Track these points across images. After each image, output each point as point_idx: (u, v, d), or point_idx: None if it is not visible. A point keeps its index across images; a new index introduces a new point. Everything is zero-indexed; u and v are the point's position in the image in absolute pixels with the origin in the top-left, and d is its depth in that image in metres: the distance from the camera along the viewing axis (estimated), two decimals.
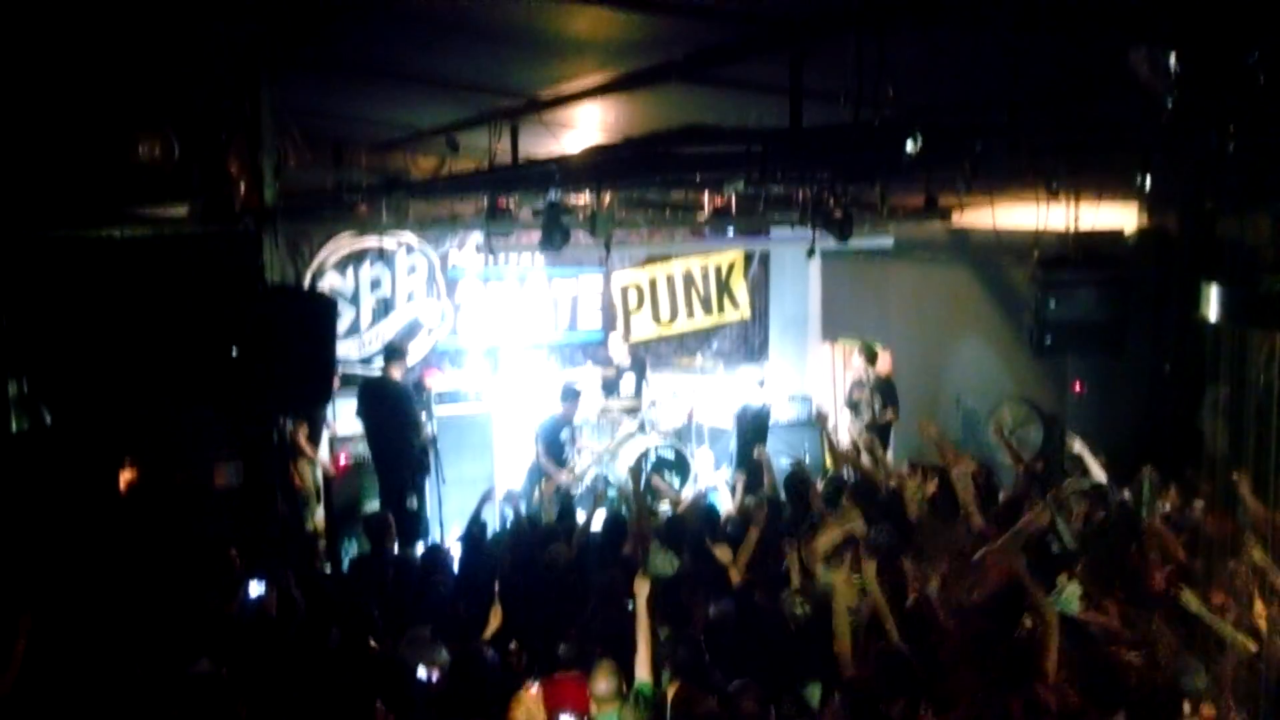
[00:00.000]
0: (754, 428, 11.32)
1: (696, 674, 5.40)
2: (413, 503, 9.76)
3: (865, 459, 9.31)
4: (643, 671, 5.16)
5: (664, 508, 9.07)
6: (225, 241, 7.48)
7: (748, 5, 4.36)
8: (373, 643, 6.17)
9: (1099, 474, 8.48)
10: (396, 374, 10.23)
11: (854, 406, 11.79)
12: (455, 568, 7.75)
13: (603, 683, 5.06)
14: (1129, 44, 3.31)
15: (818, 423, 12.58)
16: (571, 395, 10.97)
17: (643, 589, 5.37)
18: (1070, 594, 5.67)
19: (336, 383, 10.05)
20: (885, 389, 11.55)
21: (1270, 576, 6.15)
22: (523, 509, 9.41)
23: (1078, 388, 10.19)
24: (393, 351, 10.53)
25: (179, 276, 7.53)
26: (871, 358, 11.75)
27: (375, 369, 11.33)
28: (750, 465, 9.62)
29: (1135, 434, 9.48)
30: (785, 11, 4.40)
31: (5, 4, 4.61)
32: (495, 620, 5.57)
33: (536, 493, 10.33)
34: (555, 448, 10.68)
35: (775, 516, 8.16)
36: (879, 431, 11.23)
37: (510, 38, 5.22)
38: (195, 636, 6.16)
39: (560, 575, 7.07)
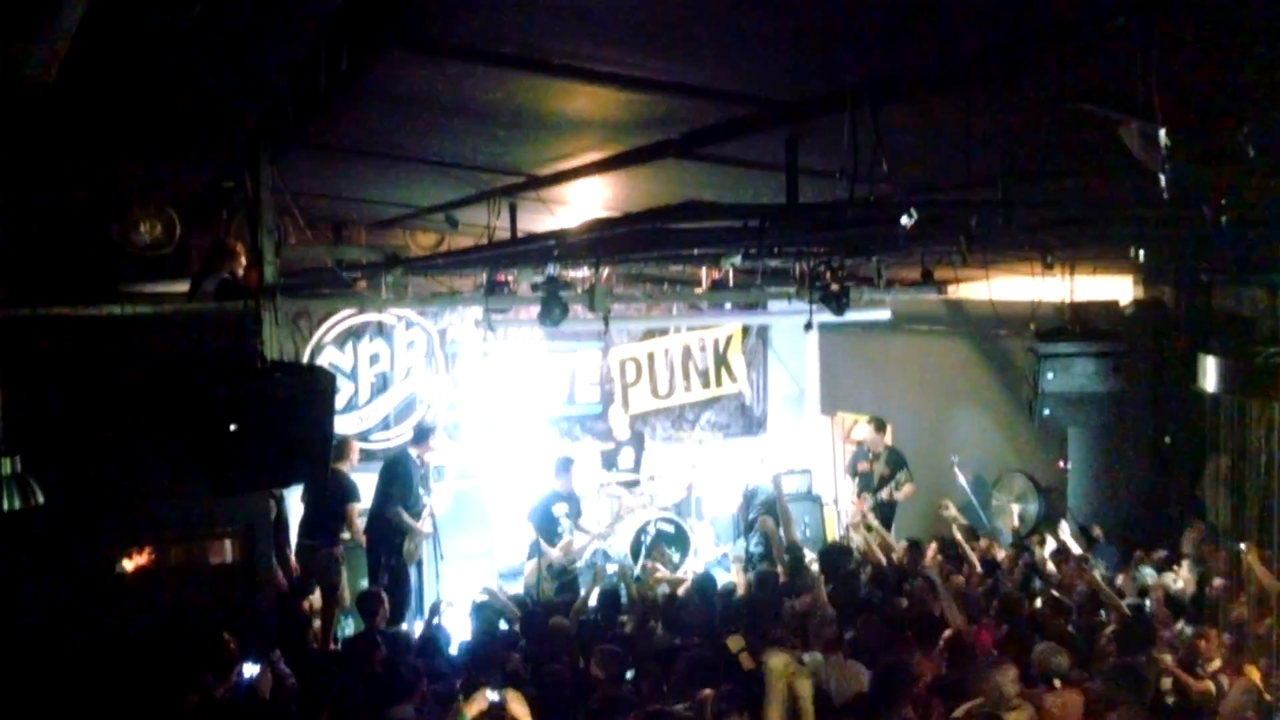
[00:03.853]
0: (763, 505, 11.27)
1: None
2: (381, 579, 9.66)
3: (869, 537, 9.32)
4: None
5: (662, 585, 9.00)
6: (224, 318, 7.50)
7: (744, 85, 4.42)
8: None
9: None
10: (413, 450, 10.28)
11: (864, 478, 11.57)
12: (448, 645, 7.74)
13: None
14: (1120, 119, 3.35)
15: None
16: (564, 468, 10.90)
17: None
18: None
19: (356, 457, 10.08)
20: (899, 460, 11.39)
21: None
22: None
23: (1062, 464, 10.21)
24: (420, 432, 10.65)
25: (177, 353, 7.54)
26: (880, 427, 11.62)
27: (374, 444, 11.37)
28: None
29: (1137, 504, 9.45)
30: (781, 91, 4.45)
31: (4, 86, 4.66)
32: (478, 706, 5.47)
33: (530, 569, 10.25)
34: (548, 523, 10.60)
35: (774, 587, 8.14)
36: (885, 506, 11.14)
37: (508, 118, 5.28)
38: (188, 717, 6.08)
39: (563, 649, 7.04)
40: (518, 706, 5.31)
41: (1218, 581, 7.35)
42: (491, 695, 5.40)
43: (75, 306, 7.39)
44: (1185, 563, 7.90)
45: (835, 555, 8.76)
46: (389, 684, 6.62)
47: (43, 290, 7.31)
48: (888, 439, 11.69)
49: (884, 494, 11.14)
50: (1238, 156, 3.69)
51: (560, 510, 10.63)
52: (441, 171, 6.98)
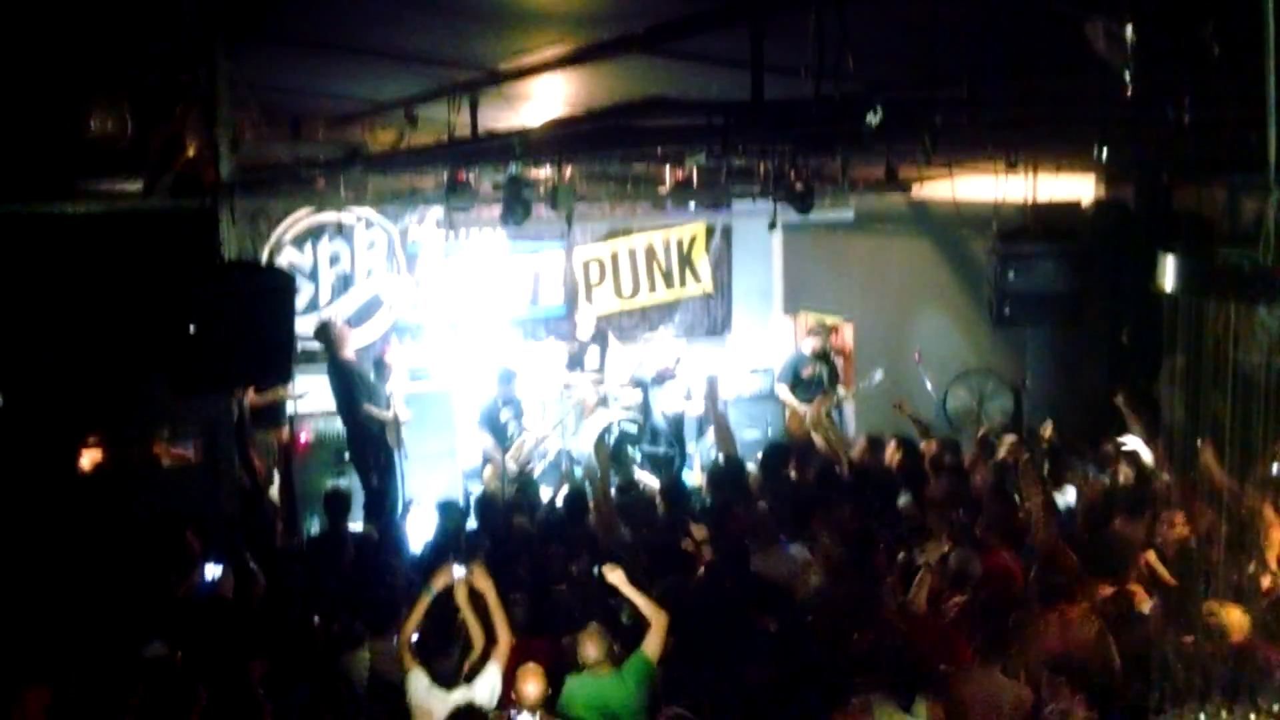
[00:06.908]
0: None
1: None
2: (372, 480, 9.68)
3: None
4: (654, 645, 5.21)
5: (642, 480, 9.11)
6: (181, 217, 7.40)
7: None
8: (316, 619, 6.16)
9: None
10: (345, 352, 10.16)
11: (811, 383, 11.61)
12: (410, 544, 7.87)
13: (592, 647, 5.08)
14: (1086, 16, 3.32)
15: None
16: (506, 380, 11.00)
17: (613, 573, 5.43)
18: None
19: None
20: (831, 363, 11.53)
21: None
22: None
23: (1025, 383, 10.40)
24: (320, 330, 10.44)
25: (134, 252, 7.44)
26: (828, 334, 11.69)
27: None
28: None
29: (1094, 403, 9.59)
30: None
31: None
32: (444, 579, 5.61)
33: (489, 473, 10.33)
34: (497, 429, 10.68)
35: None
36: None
37: (468, 9, 5.18)
38: (149, 618, 6.11)
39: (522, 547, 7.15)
40: (483, 581, 5.42)
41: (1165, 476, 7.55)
42: (458, 570, 5.52)
43: (29, 204, 7.25)
44: (1123, 459, 8.04)
45: (775, 455, 8.89)
46: (358, 583, 6.71)
47: None
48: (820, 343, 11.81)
49: (838, 395, 11.28)
50: (1202, 54, 3.67)
51: (506, 415, 10.80)
52: (401, 64, 6.84)
